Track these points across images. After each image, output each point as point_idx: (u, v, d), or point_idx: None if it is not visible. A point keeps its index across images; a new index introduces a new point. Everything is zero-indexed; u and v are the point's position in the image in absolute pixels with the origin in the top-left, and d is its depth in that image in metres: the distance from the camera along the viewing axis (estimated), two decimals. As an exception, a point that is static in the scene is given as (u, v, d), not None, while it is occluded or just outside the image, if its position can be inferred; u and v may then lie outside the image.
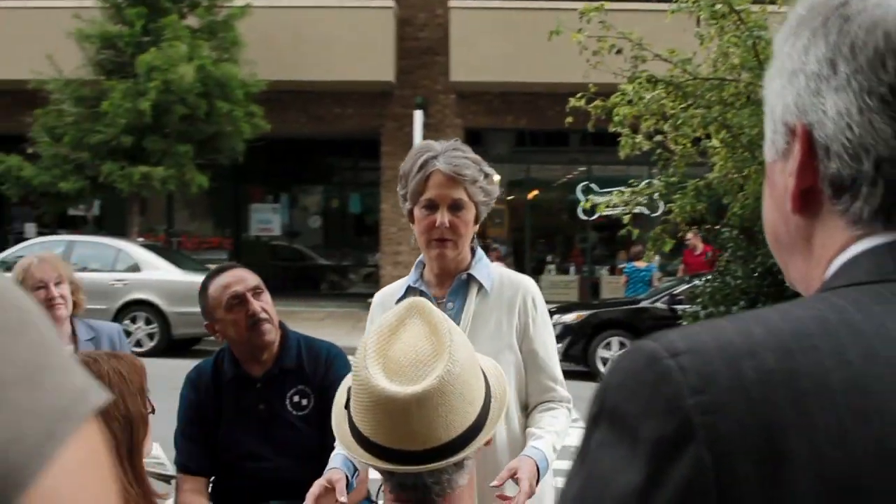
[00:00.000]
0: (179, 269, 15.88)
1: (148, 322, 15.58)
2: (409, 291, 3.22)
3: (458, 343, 1.76)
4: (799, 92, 0.97)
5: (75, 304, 4.48)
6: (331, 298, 22.80)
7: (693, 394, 0.82)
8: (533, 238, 22.78)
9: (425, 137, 19.79)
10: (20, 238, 20.29)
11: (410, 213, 3.14)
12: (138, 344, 15.42)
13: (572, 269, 22.08)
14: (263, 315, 3.67)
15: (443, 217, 3.05)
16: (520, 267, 21.93)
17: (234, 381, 3.78)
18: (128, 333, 15.09)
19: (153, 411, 2.57)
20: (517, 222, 22.79)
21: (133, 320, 15.54)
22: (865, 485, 0.79)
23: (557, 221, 23.30)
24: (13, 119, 19.32)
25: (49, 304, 4.28)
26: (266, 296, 3.74)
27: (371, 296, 3.55)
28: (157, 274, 15.58)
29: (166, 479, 3.82)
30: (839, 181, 0.94)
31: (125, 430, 2.32)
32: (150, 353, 14.93)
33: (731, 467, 0.80)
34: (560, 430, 3.03)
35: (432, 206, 3.07)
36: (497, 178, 3.21)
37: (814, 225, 0.98)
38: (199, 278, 13.96)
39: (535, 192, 22.43)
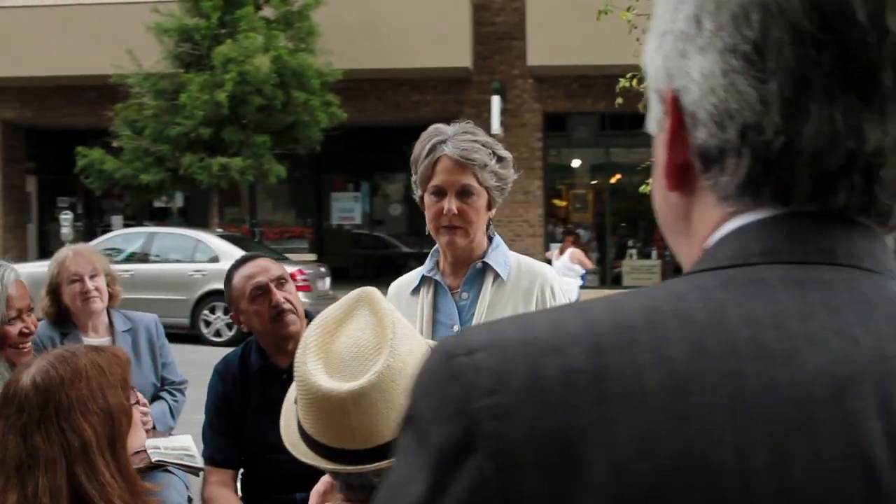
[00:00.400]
0: (254, 259, 15.94)
1: (226, 312, 15.69)
2: (424, 281, 3.12)
3: (402, 336, 1.65)
4: (667, 54, 0.83)
5: (112, 296, 4.48)
6: (410, 287, 22.74)
7: (483, 396, 0.71)
8: (615, 223, 22.48)
9: (503, 123, 19.70)
10: (108, 231, 20.70)
11: (421, 199, 3.04)
12: (217, 334, 15.59)
13: (654, 253, 21.75)
14: (287, 306, 3.62)
15: (450, 204, 2.93)
16: (602, 252, 21.71)
17: (261, 373, 3.74)
18: (207, 324, 15.33)
19: (138, 402, 2.52)
20: (599, 207, 22.52)
21: (212, 310, 15.71)
22: (667, 499, 0.67)
23: (639, 205, 22.93)
24: (96, 113, 19.69)
25: (84, 296, 4.29)
26: (290, 286, 3.69)
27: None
28: (236, 263, 15.68)
29: (195, 471, 3.79)
30: (706, 153, 0.80)
31: (105, 424, 2.26)
32: (229, 343, 15.07)
33: (518, 481, 0.69)
34: None
35: (440, 193, 2.96)
36: (509, 158, 3.04)
37: (691, 203, 0.85)
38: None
39: (618, 177, 22.12)
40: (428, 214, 3.00)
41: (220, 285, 14.39)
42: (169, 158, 17.62)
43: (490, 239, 3.09)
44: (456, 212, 2.92)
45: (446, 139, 2.96)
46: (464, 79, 20.81)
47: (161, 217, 23.57)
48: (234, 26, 17.34)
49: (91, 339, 4.41)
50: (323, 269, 16.80)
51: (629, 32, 8.03)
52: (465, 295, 3.03)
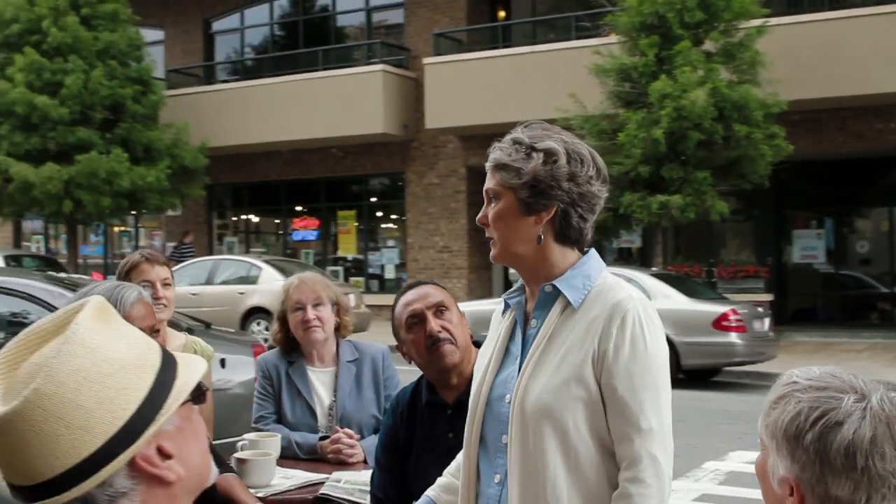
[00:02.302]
0: (690, 298, 15.55)
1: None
2: (507, 306, 2.75)
3: (70, 353, 1.43)
4: None
5: (343, 326, 4.47)
6: (877, 328, 21.07)
7: None
8: None
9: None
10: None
11: None
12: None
13: None
14: (443, 335, 3.39)
15: (481, 213, 2.60)
16: None
17: (428, 408, 3.54)
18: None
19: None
20: None
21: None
22: None
23: None
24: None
25: (305, 325, 4.31)
26: (451, 314, 3.45)
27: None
28: (666, 303, 15.38)
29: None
30: None
31: None
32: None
33: None
34: None
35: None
36: (549, 150, 2.51)
37: None
38: (711, 308, 13.52)
39: None
40: None
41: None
42: (609, 198, 17.61)
43: (585, 254, 2.62)
44: (483, 219, 2.58)
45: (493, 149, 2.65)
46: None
47: (622, 256, 23.73)
48: (670, 62, 17.10)
49: (316, 369, 4.43)
50: (761, 310, 15.94)
51: None
52: (534, 322, 2.62)
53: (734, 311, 14.97)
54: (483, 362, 2.74)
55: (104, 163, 21.96)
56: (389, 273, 25.23)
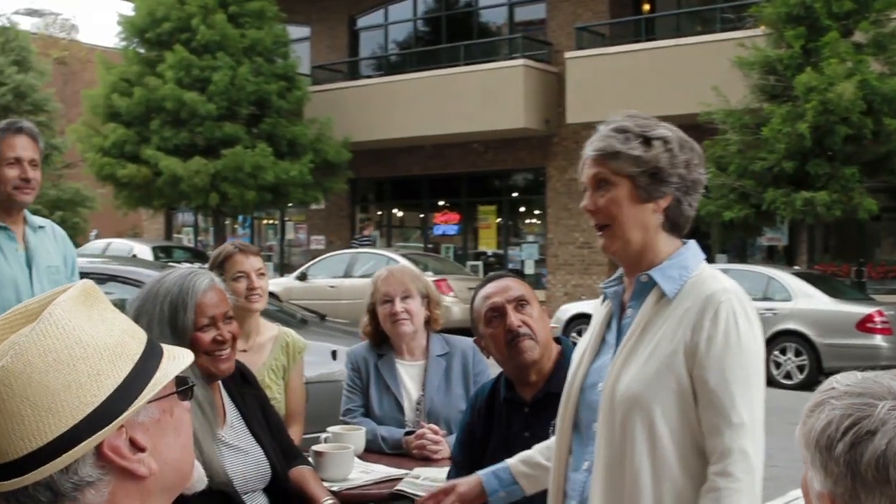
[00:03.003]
0: (834, 298, 15.01)
1: (797, 353, 14.89)
2: (605, 295, 2.74)
3: (42, 333, 1.40)
4: None
5: (433, 320, 4.40)
6: None
7: None
8: None
9: None
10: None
11: None
12: (787, 376, 14.84)
13: None
14: (524, 330, 3.31)
15: (587, 200, 2.57)
16: None
17: (506, 405, 3.47)
18: (777, 365, 14.64)
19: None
20: None
21: (783, 351, 14.97)
22: None
23: None
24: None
25: (393, 318, 4.25)
26: (532, 308, 3.36)
27: None
28: (808, 303, 14.89)
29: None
30: None
31: None
32: (798, 387, 14.28)
33: None
34: None
35: (585, 192, 2.61)
36: (665, 138, 2.53)
37: None
38: (856, 309, 13.07)
39: None
40: None
41: (792, 325, 13.95)
42: (752, 194, 17.15)
43: (683, 244, 2.61)
44: (592, 207, 2.54)
45: (592, 139, 2.61)
46: None
47: (769, 255, 23.05)
48: (817, 54, 16.50)
49: (405, 363, 4.38)
50: (909, 313, 15.28)
51: None
52: (629, 312, 2.61)
53: (880, 313, 14.41)
54: (580, 350, 2.75)
55: (249, 157, 22.49)
56: (529, 268, 25.06)
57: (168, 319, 3.05)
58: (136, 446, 1.46)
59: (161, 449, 1.50)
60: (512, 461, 3.02)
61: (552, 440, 2.87)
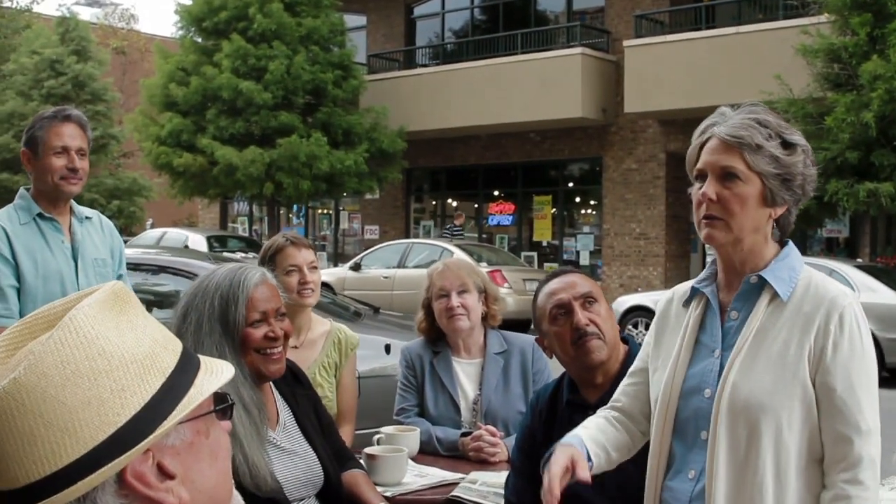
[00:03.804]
0: (898, 292, 14.65)
1: (862, 348, 14.52)
2: (695, 294, 2.58)
3: (61, 341, 1.25)
4: None
5: (490, 315, 4.24)
6: None
7: None
8: None
9: None
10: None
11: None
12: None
13: None
14: (591, 329, 3.15)
15: (709, 188, 2.40)
16: None
17: (569, 408, 3.29)
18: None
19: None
20: None
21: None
22: None
23: None
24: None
25: (449, 313, 4.11)
26: (599, 306, 3.20)
27: None
28: (871, 297, 14.52)
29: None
30: None
31: None
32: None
33: None
34: None
35: (702, 177, 2.44)
36: (803, 147, 2.42)
37: None
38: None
39: None
40: (694, 206, 2.50)
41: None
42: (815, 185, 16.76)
43: (782, 246, 2.48)
44: (714, 197, 2.39)
45: (724, 121, 2.45)
46: None
47: (830, 247, 22.65)
48: (883, 41, 16.08)
49: (461, 360, 4.22)
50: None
51: None
52: (734, 314, 2.49)
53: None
54: (669, 353, 2.59)
55: (304, 146, 22.48)
56: (584, 259, 24.83)
57: (218, 315, 2.92)
58: (164, 473, 1.31)
59: (193, 476, 1.34)
60: (586, 440, 2.65)
61: (596, 429, 2.69)
